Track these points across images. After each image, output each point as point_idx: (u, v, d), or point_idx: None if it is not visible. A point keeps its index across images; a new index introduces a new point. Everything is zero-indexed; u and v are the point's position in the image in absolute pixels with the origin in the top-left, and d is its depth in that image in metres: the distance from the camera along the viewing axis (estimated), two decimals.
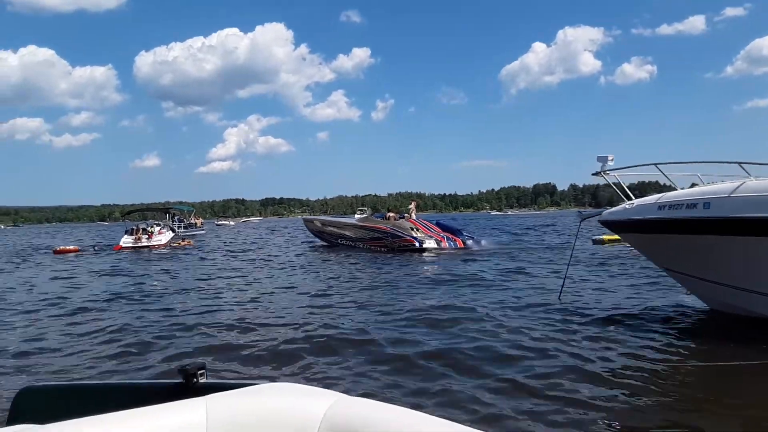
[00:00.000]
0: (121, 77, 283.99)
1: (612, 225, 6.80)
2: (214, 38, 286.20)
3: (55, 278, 13.27)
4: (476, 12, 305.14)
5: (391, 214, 20.48)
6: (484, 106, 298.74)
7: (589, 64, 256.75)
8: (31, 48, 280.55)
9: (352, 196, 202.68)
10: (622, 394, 3.98)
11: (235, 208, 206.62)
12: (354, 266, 14.08)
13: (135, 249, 23.68)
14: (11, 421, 1.35)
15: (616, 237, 10.49)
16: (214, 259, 18.30)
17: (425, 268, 13.29)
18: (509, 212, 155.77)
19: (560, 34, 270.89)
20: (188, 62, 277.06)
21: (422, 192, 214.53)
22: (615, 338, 5.49)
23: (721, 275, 5.71)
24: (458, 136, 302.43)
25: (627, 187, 6.48)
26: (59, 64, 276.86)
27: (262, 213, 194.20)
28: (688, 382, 4.31)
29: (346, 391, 1.51)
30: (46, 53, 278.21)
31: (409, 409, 1.10)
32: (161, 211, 37.05)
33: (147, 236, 24.80)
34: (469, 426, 1.00)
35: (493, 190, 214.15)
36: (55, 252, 23.59)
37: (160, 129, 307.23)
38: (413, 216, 20.23)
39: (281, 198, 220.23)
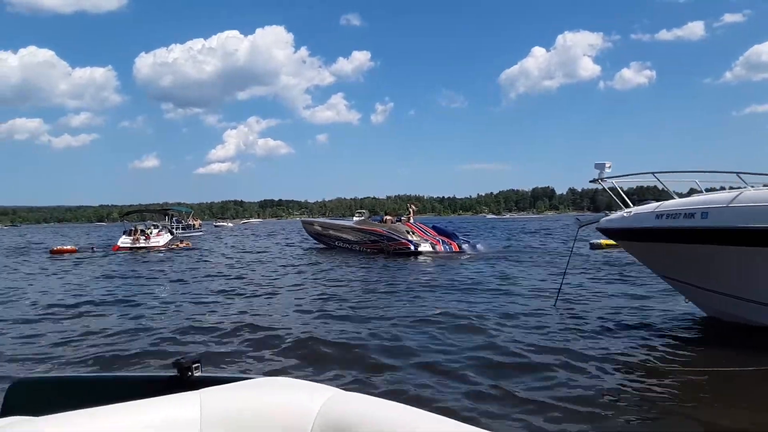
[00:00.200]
0: (120, 78, 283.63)
1: (609, 232, 6.79)
2: (215, 40, 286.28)
3: (51, 278, 13.20)
4: (476, 16, 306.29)
5: (388, 217, 20.56)
6: (484, 109, 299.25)
7: (588, 68, 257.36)
8: (31, 49, 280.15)
9: (351, 199, 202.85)
10: (619, 401, 3.95)
11: (234, 209, 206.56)
12: (349, 269, 14.04)
13: (133, 250, 23.65)
14: (4, 413, 1.34)
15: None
16: (211, 261, 18.26)
17: (420, 272, 13.23)
18: (507, 215, 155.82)
19: (560, 38, 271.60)
20: (188, 64, 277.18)
21: (421, 195, 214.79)
22: (611, 345, 5.45)
23: (719, 284, 5.70)
24: (458, 139, 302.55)
25: (625, 192, 6.48)
26: (59, 65, 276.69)
27: (260, 215, 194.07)
28: (686, 389, 4.27)
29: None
30: (46, 54, 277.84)
31: (404, 405, 1.09)
32: (160, 213, 37.06)
33: (145, 237, 24.77)
34: (463, 422, 0.99)
35: (491, 193, 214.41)
36: (52, 252, 23.52)
37: (159, 130, 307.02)
38: (411, 219, 20.27)
39: (280, 200, 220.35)
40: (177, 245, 25.66)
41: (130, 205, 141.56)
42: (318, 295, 9.55)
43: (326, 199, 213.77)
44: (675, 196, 6.08)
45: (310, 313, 7.77)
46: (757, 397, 4.10)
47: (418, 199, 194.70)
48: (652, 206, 5.97)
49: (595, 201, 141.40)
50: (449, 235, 19.13)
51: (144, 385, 1.38)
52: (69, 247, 24.58)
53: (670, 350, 5.31)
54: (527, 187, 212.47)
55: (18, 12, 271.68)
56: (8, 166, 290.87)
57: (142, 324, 7.11)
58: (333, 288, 10.42)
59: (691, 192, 6.44)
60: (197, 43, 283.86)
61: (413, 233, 18.61)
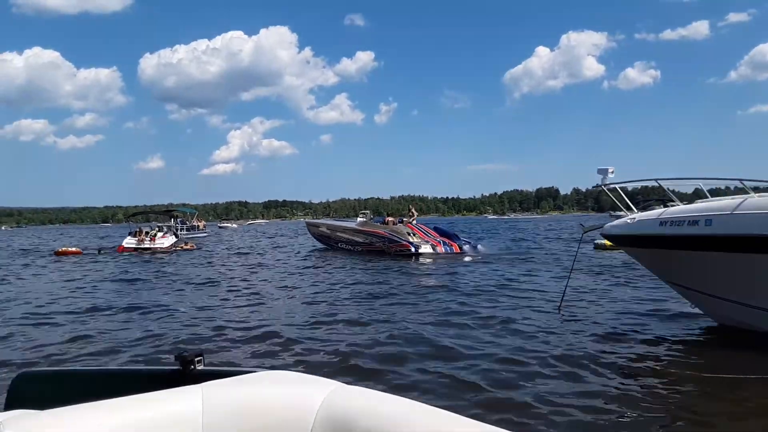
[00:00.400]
0: (125, 79, 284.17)
1: (613, 239, 6.78)
2: (219, 41, 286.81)
3: (55, 281, 13.26)
4: (480, 16, 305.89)
5: (390, 219, 20.79)
6: (488, 109, 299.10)
7: (592, 68, 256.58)
8: (36, 50, 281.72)
9: (355, 199, 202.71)
10: (622, 407, 3.93)
11: (238, 210, 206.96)
12: (351, 272, 14.05)
13: (137, 251, 23.79)
14: (8, 406, 1.35)
15: None
16: (215, 263, 18.33)
17: (420, 276, 13.17)
18: (512, 215, 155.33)
19: (564, 38, 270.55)
20: (192, 65, 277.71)
21: (425, 195, 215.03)
22: (615, 350, 5.44)
23: (724, 291, 5.67)
24: (462, 139, 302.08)
25: (630, 192, 6.46)
26: (64, 66, 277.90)
27: (264, 215, 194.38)
28: (692, 395, 4.26)
29: None
30: (51, 55, 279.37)
31: (406, 399, 1.10)
32: (164, 214, 37.20)
33: (150, 239, 24.90)
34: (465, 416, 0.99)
35: (495, 194, 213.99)
36: (56, 253, 23.63)
37: (163, 131, 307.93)
38: (413, 221, 20.35)
39: (284, 200, 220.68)
40: (181, 247, 25.76)
41: (135, 206, 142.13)
42: (317, 295, 9.57)
43: (330, 200, 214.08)
44: (679, 203, 6.07)
45: (309, 314, 7.78)
46: (764, 405, 4.07)
47: (421, 200, 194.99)
48: (656, 213, 5.96)
49: (599, 201, 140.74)
50: (450, 236, 19.27)
51: (147, 379, 1.39)
52: (74, 249, 24.68)
53: (676, 356, 5.29)
54: (531, 188, 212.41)
55: (23, 13, 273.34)
56: (13, 167, 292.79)
57: (144, 326, 7.17)
58: (332, 289, 10.41)
59: (696, 193, 6.42)
60: (201, 44, 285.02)
61: (414, 235, 18.76)
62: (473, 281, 11.43)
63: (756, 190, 5.23)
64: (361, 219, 22.45)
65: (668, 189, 6.16)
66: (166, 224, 32.40)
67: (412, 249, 17.71)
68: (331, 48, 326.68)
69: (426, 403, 1.09)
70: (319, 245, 23.93)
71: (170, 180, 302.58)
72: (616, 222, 6.43)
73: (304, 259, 19.02)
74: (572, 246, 20.68)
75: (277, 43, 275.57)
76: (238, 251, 24.89)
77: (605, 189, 6.26)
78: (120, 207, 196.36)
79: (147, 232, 25.73)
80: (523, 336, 6.20)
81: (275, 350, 5.78)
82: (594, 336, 6.10)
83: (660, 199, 6.47)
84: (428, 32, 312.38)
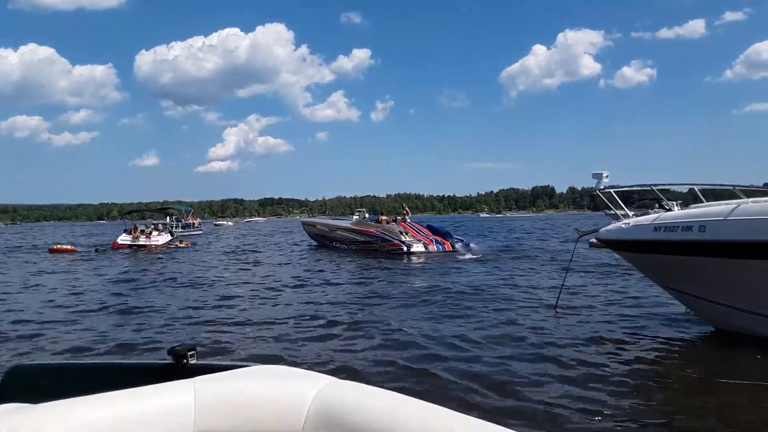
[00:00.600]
0: (121, 76, 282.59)
1: (609, 243, 6.80)
2: (215, 38, 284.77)
3: (50, 277, 13.17)
4: (477, 14, 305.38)
5: (384, 218, 20.88)
6: (485, 108, 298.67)
7: (589, 67, 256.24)
8: (32, 46, 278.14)
9: (351, 197, 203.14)
10: (617, 411, 3.93)
11: (234, 208, 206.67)
12: (344, 270, 14.04)
13: (132, 248, 23.73)
14: (1, 399, 1.34)
15: None
16: (209, 260, 18.31)
17: (411, 276, 12.95)
18: (507, 213, 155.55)
19: (560, 36, 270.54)
20: (188, 61, 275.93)
21: (421, 193, 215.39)
22: (611, 352, 5.44)
23: (718, 296, 5.69)
24: (458, 137, 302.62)
25: (625, 192, 6.48)
26: (59, 63, 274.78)
27: (260, 213, 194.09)
28: (687, 400, 4.26)
29: None
30: (46, 51, 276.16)
31: (399, 394, 1.09)
32: (160, 212, 37.04)
33: (145, 236, 24.82)
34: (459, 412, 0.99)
35: (491, 192, 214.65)
36: (51, 251, 23.48)
37: (159, 128, 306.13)
38: (407, 219, 20.46)
39: (280, 198, 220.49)
40: (176, 245, 25.71)
41: (131, 204, 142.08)
42: (310, 294, 9.56)
43: (326, 198, 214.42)
44: (673, 204, 6.09)
45: (303, 312, 7.75)
46: (762, 410, 4.07)
47: (417, 198, 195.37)
48: (650, 218, 5.98)
49: (594, 200, 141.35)
50: (443, 235, 19.38)
51: (140, 373, 1.40)
52: (68, 246, 24.55)
53: (670, 358, 5.32)
54: (527, 186, 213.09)
55: (18, 9, 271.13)
56: (8, 163, 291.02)
57: (137, 322, 7.20)
58: (325, 289, 10.37)
59: (690, 193, 6.44)
60: (198, 41, 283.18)
61: (407, 233, 18.87)
62: (466, 280, 11.39)
63: (747, 194, 5.26)
64: (357, 217, 22.53)
65: (662, 198, 6.21)
66: (162, 222, 32.30)
67: (404, 248, 17.86)
68: (328, 45, 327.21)
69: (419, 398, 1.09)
70: (315, 244, 24.02)
71: (166, 177, 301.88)
72: (610, 227, 6.45)
73: (299, 258, 19.04)
74: (567, 244, 20.77)
75: (273, 40, 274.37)
76: (233, 249, 24.84)
77: (600, 193, 6.28)
78: (115, 204, 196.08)
79: (142, 230, 25.65)
80: (517, 336, 6.18)
81: (268, 347, 5.83)
82: (590, 337, 6.10)
83: (654, 198, 6.51)
84: (425, 30, 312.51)
